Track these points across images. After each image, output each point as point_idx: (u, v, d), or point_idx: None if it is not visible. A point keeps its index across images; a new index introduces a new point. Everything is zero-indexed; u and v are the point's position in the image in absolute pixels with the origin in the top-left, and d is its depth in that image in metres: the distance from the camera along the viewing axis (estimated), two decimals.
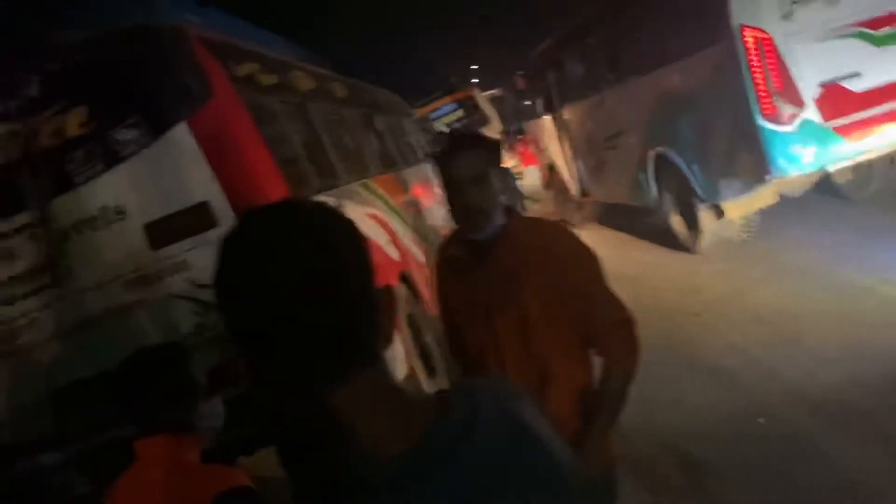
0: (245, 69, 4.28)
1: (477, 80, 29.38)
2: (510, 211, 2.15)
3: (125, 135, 3.67)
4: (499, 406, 0.98)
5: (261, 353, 0.91)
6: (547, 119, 11.21)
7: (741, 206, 7.00)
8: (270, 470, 4.10)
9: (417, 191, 7.57)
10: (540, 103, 11.38)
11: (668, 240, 8.14)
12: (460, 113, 17.69)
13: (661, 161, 7.82)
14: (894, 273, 5.59)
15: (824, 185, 7.41)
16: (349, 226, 0.96)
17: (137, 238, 3.69)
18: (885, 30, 6.23)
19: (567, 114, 10.55)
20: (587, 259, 2.11)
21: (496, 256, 2.09)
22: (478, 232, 2.10)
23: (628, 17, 8.14)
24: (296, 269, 0.89)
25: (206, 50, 3.85)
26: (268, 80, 4.59)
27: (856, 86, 6.24)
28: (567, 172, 11.02)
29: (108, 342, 3.77)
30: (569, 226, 2.25)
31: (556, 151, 11.16)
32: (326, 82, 6.17)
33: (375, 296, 0.96)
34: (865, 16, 6.22)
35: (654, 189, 8.12)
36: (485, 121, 17.05)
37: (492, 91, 21.42)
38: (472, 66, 40.25)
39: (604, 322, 2.08)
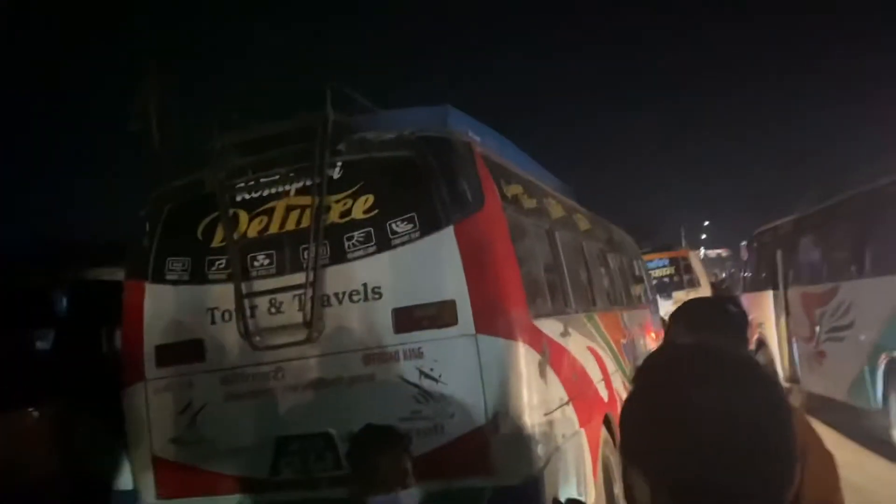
0: (512, 189, 4.42)
1: (705, 236, 28.53)
2: None
3: (400, 226, 3.87)
4: None
5: (675, 489, 0.85)
6: (768, 295, 10.57)
7: None
8: None
9: (635, 334, 7.32)
10: (764, 277, 10.78)
11: (886, 449, 7.19)
12: (671, 270, 17.24)
13: (892, 367, 7.03)
14: None
15: None
16: (782, 391, 0.92)
17: (386, 319, 3.83)
18: None
19: (792, 294, 9.88)
20: (830, 460, 1.92)
21: None
22: None
23: (883, 214, 7.56)
24: (749, 423, 0.84)
25: (485, 166, 4.02)
26: (528, 202, 4.71)
27: None
28: (779, 354, 10.23)
29: (335, 405, 3.87)
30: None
31: (772, 330, 10.43)
32: (572, 212, 6.23)
33: (794, 463, 0.89)
34: None
35: (880, 394, 7.29)
36: (695, 283, 16.45)
37: (718, 250, 20.75)
38: (705, 223, 39.36)
39: None
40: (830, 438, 7.95)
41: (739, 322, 2.20)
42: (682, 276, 17.02)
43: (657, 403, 0.88)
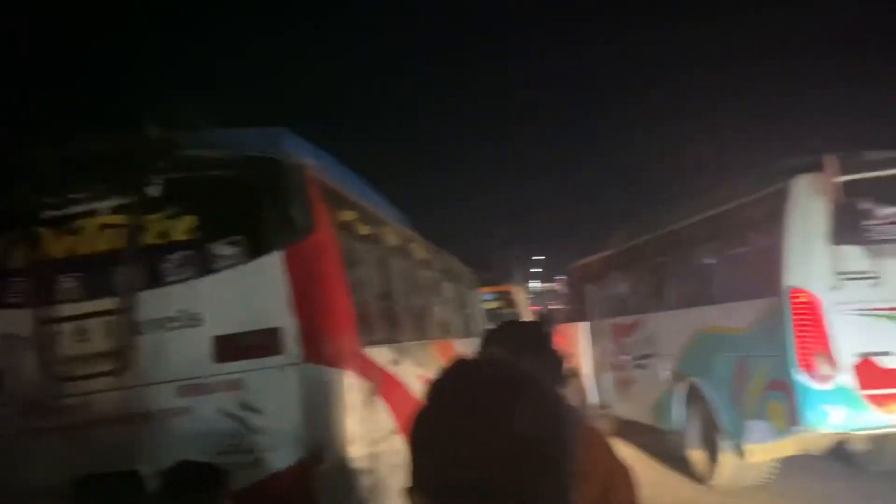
0: (346, 215, 4.29)
1: (540, 270, 29.56)
2: None
3: (223, 250, 3.61)
4: None
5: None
6: (582, 325, 11.08)
7: (763, 451, 6.66)
8: None
9: None
10: (578, 309, 11.30)
11: (681, 465, 7.67)
12: (499, 303, 17.74)
13: (691, 391, 7.56)
14: None
15: (838, 452, 7.01)
16: (562, 401, 0.90)
17: (205, 347, 3.53)
18: None
19: (602, 326, 10.41)
20: (629, 477, 2.00)
21: None
22: None
23: (682, 254, 8.18)
24: (510, 435, 0.81)
25: (317, 190, 3.84)
26: (362, 229, 4.57)
27: (887, 363, 6.03)
28: (592, 382, 10.71)
29: (146, 441, 3.51)
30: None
31: (585, 359, 10.92)
32: (408, 242, 6.16)
33: (571, 478, 0.87)
34: None
35: (679, 417, 7.78)
36: (517, 317, 17.02)
37: (552, 283, 21.54)
38: (541, 256, 40.88)
39: None
40: (639, 460, 8.46)
41: (543, 342, 2.23)
42: (506, 310, 17.53)
43: (439, 419, 0.85)
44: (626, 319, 9.50)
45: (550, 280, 22.83)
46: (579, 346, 11.07)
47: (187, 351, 3.55)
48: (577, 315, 11.46)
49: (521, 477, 0.80)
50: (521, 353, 1.91)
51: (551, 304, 17.47)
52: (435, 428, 0.85)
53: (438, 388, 0.88)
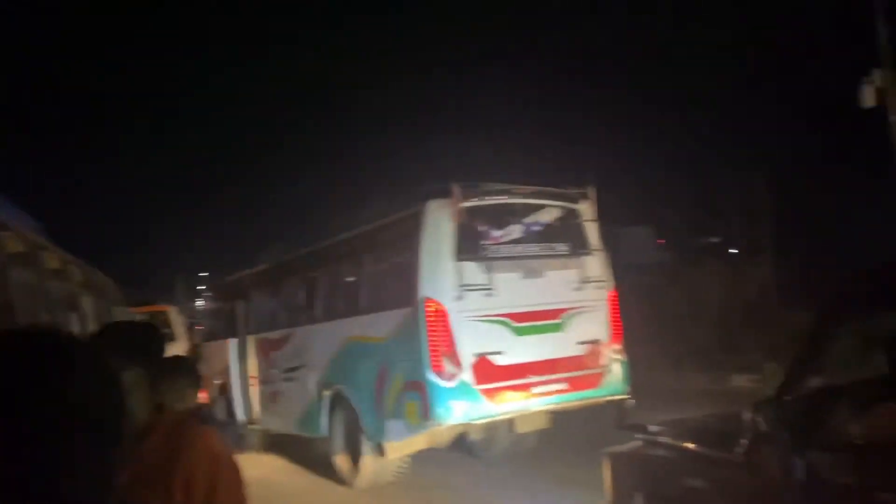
0: None
1: (204, 287, 27.42)
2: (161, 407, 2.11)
3: None
4: None
5: None
6: (230, 342, 10.78)
7: (400, 448, 7.19)
8: None
9: None
10: (226, 326, 10.99)
11: (330, 472, 7.91)
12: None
13: (337, 398, 7.88)
14: None
15: (462, 442, 7.88)
16: (107, 368, 0.98)
17: None
18: (525, 323, 7.12)
19: (251, 341, 10.28)
20: (237, 476, 2.08)
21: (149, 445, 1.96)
22: None
23: (329, 270, 8.51)
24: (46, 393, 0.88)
25: None
26: None
27: (499, 360, 6.96)
28: (240, 398, 10.46)
29: None
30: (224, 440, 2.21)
31: (234, 376, 10.62)
32: (37, 250, 5.40)
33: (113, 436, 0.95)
34: (510, 309, 7.08)
35: (326, 424, 8.02)
36: (172, 338, 15.92)
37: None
38: (203, 274, 37.89)
39: None
40: (291, 471, 8.48)
41: (149, 343, 2.30)
42: (163, 329, 16.25)
43: None
44: (276, 334, 9.55)
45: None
46: (228, 362, 10.74)
47: None
48: (225, 331, 11.12)
49: (55, 428, 0.87)
50: (126, 352, 1.89)
51: (189, 321, 16.60)
52: None
53: None
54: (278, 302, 9.92)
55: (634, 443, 3.49)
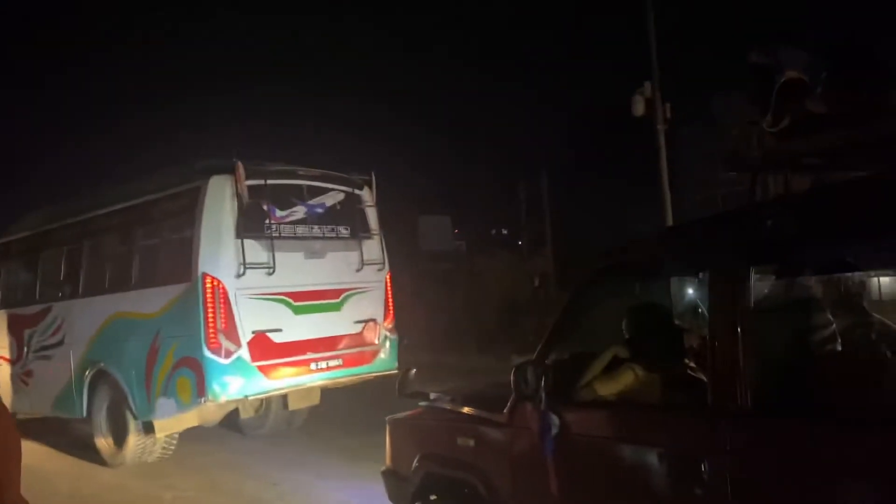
0: None
1: None
2: None
3: None
4: None
5: None
6: None
7: (170, 426, 6.91)
8: None
9: None
10: None
11: (93, 454, 7.32)
12: None
13: (101, 377, 7.35)
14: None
15: (233, 421, 7.72)
16: None
17: None
18: (304, 302, 7.15)
19: (1, 317, 9.09)
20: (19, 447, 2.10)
21: None
22: None
23: (95, 243, 7.83)
24: None
25: None
26: None
27: (277, 338, 6.94)
28: None
29: None
30: None
31: None
32: None
33: None
34: (290, 289, 7.07)
35: (86, 404, 7.39)
36: None
37: None
38: None
39: None
40: (52, 456, 7.66)
41: None
42: None
43: None
44: (31, 309, 8.55)
45: None
46: None
47: None
48: None
49: None
50: None
51: None
52: None
53: None
54: (34, 275, 8.87)
55: (414, 410, 3.73)
